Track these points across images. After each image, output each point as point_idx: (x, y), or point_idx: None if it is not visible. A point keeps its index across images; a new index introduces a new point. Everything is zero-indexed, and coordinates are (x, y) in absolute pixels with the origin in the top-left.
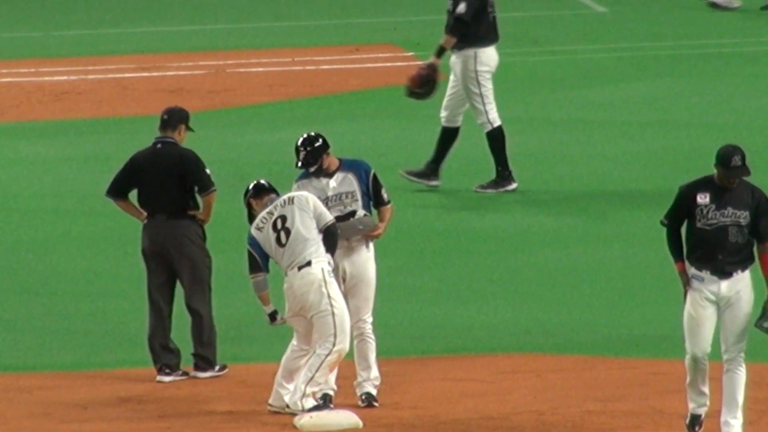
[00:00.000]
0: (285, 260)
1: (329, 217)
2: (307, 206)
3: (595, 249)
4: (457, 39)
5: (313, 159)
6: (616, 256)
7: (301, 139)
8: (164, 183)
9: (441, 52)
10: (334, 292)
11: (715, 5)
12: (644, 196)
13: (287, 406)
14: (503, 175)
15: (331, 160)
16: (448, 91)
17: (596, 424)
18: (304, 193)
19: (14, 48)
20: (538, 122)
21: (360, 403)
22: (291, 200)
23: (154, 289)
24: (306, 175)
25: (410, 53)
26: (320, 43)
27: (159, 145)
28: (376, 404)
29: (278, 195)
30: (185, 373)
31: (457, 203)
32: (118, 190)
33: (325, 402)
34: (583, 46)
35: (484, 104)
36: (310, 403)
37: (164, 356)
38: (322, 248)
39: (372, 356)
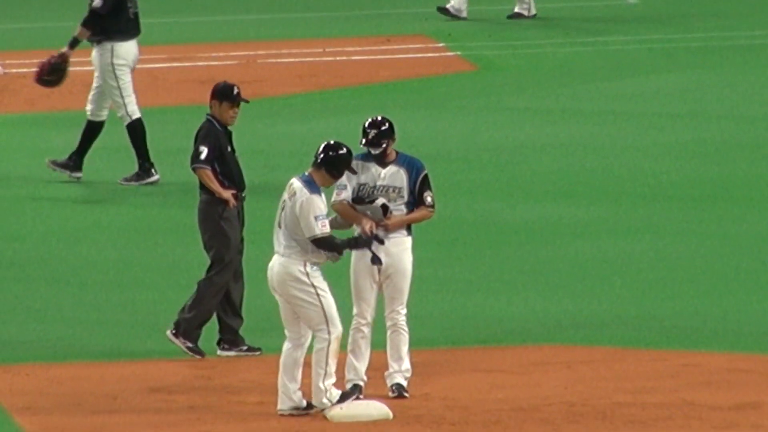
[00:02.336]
0: (275, 241)
1: (314, 231)
2: (295, 210)
3: (625, 241)
4: (92, 32)
5: (379, 140)
6: (646, 248)
7: (370, 120)
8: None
9: (74, 43)
10: (319, 281)
11: (445, 11)
12: (675, 188)
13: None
14: (144, 168)
15: (390, 151)
16: (93, 85)
17: (626, 415)
18: (306, 195)
19: (44, 38)
20: (569, 113)
21: (390, 393)
22: (293, 194)
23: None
24: (363, 158)
25: (441, 44)
26: (351, 33)
27: (203, 122)
28: (406, 395)
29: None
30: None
31: (487, 194)
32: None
33: (353, 391)
34: (614, 37)
35: (122, 97)
36: (336, 393)
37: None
38: (308, 248)
39: (404, 348)
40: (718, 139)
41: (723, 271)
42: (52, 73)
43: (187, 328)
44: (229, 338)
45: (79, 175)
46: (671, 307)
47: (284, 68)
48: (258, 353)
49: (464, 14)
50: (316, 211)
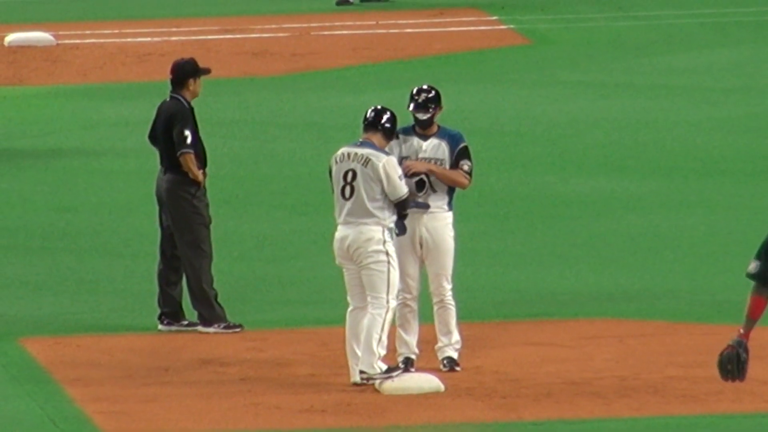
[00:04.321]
0: (342, 214)
1: (403, 190)
2: (379, 175)
3: (677, 215)
4: None
5: (427, 104)
6: (698, 222)
7: (418, 87)
8: (159, 137)
9: None
10: (392, 249)
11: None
12: (727, 162)
13: (363, 372)
14: None
15: (434, 122)
16: None
17: (678, 390)
18: (385, 158)
19: (98, 10)
20: (621, 88)
21: (442, 367)
22: (366, 161)
23: (164, 240)
24: (405, 131)
25: (494, 17)
26: (404, 6)
27: (166, 100)
28: (458, 368)
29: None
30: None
31: (540, 168)
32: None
33: (406, 366)
34: (666, 11)
35: None
36: (383, 366)
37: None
38: (386, 212)
39: (453, 322)
40: None
41: None
42: None
43: (207, 313)
44: (171, 311)
45: None
46: (723, 281)
47: (338, 40)
48: (239, 330)
49: None
50: (399, 171)
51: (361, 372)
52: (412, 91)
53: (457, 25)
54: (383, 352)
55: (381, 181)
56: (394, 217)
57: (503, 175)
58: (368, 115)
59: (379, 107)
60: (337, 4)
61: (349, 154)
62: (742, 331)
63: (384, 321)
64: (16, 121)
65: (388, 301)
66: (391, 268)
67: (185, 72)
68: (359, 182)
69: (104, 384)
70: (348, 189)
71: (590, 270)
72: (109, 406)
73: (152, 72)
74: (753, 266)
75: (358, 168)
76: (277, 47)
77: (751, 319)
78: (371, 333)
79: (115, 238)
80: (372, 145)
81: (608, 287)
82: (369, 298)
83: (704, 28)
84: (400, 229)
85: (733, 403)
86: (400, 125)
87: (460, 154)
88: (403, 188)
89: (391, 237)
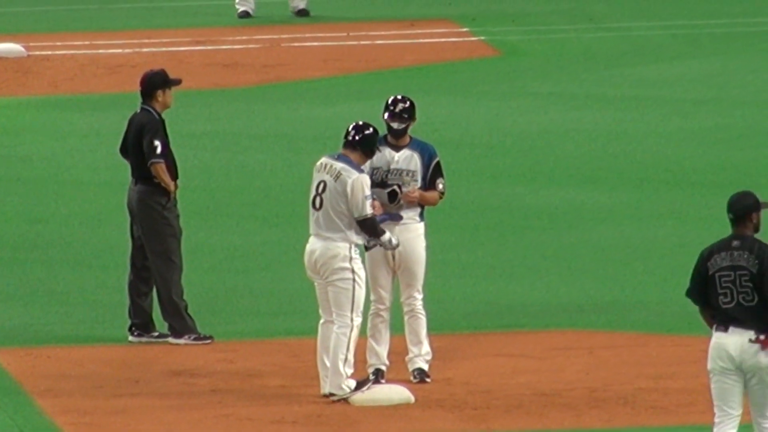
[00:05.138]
0: (312, 224)
1: (366, 210)
2: (345, 190)
3: (648, 226)
4: None
5: (402, 114)
6: (669, 233)
7: (393, 97)
8: (130, 149)
9: None
10: (359, 267)
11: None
12: (698, 174)
13: (332, 394)
14: None
15: (407, 133)
16: None
17: (648, 401)
18: (356, 175)
19: (69, 21)
20: (592, 99)
21: (412, 378)
22: (337, 175)
23: (135, 251)
24: (378, 142)
25: (465, 29)
26: (376, 17)
27: (137, 111)
28: (428, 380)
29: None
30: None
31: (511, 179)
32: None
33: (377, 377)
34: (638, 23)
35: None
36: (352, 383)
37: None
38: (353, 229)
39: (423, 332)
40: (741, 125)
41: None
42: None
43: (178, 324)
44: (141, 323)
45: None
46: None
47: (308, 52)
48: (209, 341)
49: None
50: (366, 191)
51: (331, 394)
52: (387, 101)
53: (428, 37)
54: (350, 371)
55: (347, 196)
56: (363, 235)
57: (474, 187)
58: (349, 132)
59: (360, 123)
60: (239, 16)
61: (325, 165)
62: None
63: (349, 340)
64: None
65: (352, 320)
66: (357, 286)
67: (154, 83)
68: (327, 195)
69: (74, 395)
70: (318, 200)
71: (561, 281)
72: (79, 417)
73: (123, 83)
74: (690, 285)
75: (329, 181)
76: (248, 59)
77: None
78: (337, 354)
79: (85, 249)
80: (348, 160)
81: (579, 298)
82: (334, 315)
83: (675, 39)
84: (371, 244)
85: (703, 415)
86: None
87: (435, 172)
88: (366, 208)
89: (360, 253)
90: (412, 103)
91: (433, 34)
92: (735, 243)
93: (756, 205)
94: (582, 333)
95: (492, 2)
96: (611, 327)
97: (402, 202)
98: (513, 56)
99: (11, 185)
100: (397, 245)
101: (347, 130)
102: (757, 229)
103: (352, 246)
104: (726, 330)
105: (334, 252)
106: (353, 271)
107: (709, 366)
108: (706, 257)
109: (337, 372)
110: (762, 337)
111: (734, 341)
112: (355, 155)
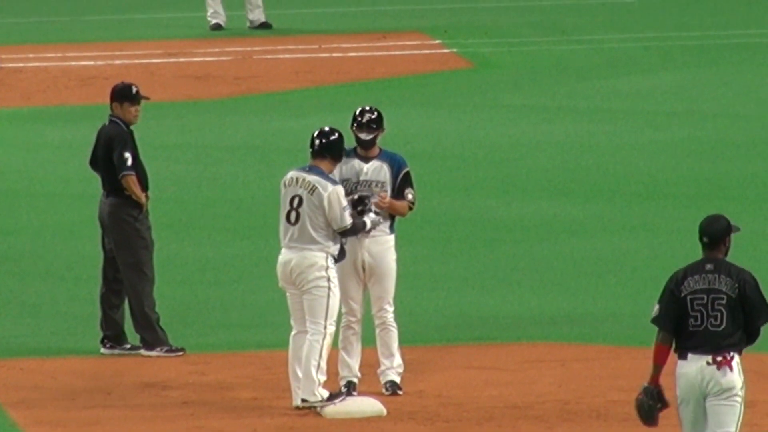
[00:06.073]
0: (285, 238)
1: (346, 221)
2: (323, 203)
3: (620, 238)
4: None
5: (370, 125)
6: (641, 246)
7: (361, 108)
8: (100, 162)
9: None
10: (334, 275)
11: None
12: (670, 186)
13: (305, 400)
14: None
15: (376, 144)
16: None
17: (621, 414)
18: (331, 188)
19: (41, 33)
20: (564, 111)
21: (384, 391)
22: (312, 189)
23: (106, 263)
24: (347, 153)
25: (437, 41)
26: (347, 30)
27: (106, 124)
28: (400, 392)
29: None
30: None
31: (483, 191)
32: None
33: (349, 389)
34: (610, 35)
35: None
36: (324, 393)
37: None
38: (330, 240)
39: (394, 345)
40: (713, 137)
41: None
42: None
43: (150, 336)
44: (113, 335)
45: None
46: None
47: (280, 64)
48: (181, 353)
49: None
50: (343, 202)
51: (303, 400)
52: (355, 112)
53: (400, 49)
54: (323, 378)
55: (325, 210)
56: (338, 245)
57: (445, 199)
58: (315, 141)
59: (326, 129)
60: (211, 29)
61: (297, 179)
62: (649, 378)
63: (321, 347)
64: None
65: (325, 327)
66: (332, 294)
67: (122, 96)
68: (305, 209)
69: (47, 407)
70: (294, 214)
71: (533, 294)
72: (51, 429)
73: (95, 95)
74: (656, 309)
75: (305, 195)
76: (220, 71)
77: (658, 365)
78: (310, 360)
79: (57, 261)
80: (320, 172)
81: (551, 311)
82: (308, 323)
83: (647, 51)
84: (339, 255)
85: (675, 428)
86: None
87: (403, 182)
88: (346, 219)
89: (333, 263)
90: (379, 114)
91: (405, 46)
92: (708, 266)
93: (729, 229)
94: (554, 345)
95: (464, 14)
96: (583, 339)
97: (371, 206)
98: (485, 68)
99: None
100: (378, 222)
101: (312, 138)
102: (727, 253)
103: (329, 256)
104: (685, 358)
105: (312, 261)
106: (329, 279)
107: (678, 395)
108: (680, 279)
109: (310, 378)
110: (719, 358)
111: (695, 367)
112: (325, 163)
